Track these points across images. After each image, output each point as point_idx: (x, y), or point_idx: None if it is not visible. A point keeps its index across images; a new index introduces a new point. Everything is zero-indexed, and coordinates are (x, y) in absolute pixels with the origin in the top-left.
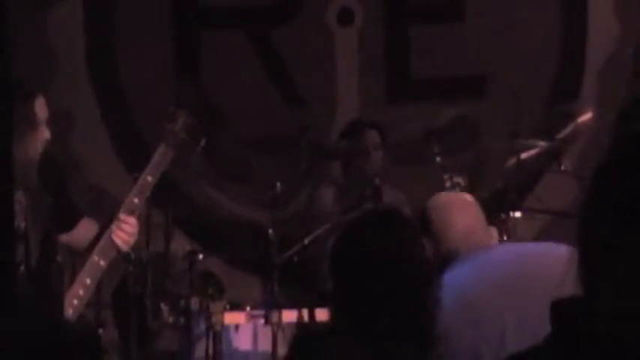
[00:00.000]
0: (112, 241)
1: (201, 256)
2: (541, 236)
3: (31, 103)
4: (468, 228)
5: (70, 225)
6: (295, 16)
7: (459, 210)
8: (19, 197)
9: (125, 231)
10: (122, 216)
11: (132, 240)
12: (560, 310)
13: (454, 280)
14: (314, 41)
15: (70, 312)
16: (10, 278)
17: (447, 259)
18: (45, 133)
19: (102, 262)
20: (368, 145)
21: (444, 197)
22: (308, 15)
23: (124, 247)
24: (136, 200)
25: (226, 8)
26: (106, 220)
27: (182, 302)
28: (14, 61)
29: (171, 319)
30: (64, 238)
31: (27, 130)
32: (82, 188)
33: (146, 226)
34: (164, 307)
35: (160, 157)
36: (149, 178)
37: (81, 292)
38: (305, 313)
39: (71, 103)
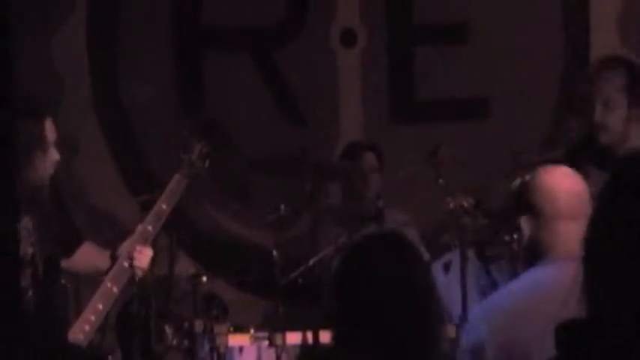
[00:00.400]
0: (124, 268)
1: (205, 279)
2: None
3: (41, 124)
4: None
5: (70, 249)
6: (298, 36)
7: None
8: (26, 223)
9: (139, 260)
10: (135, 244)
11: (145, 268)
12: (565, 332)
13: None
14: (317, 62)
15: (80, 337)
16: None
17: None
18: (54, 155)
19: (114, 289)
20: (365, 167)
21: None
22: (311, 36)
23: (138, 274)
24: (150, 228)
25: (229, 29)
26: (117, 246)
27: (186, 324)
28: (20, 83)
29: (175, 342)
30: (66, 263)
31: (37, 152)
32: (86, 212)
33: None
34: (168, 329)
35: (176, 186)
36: (164, 206)
37: (92, 317)
38: (309, 334)
39: (75, 125)
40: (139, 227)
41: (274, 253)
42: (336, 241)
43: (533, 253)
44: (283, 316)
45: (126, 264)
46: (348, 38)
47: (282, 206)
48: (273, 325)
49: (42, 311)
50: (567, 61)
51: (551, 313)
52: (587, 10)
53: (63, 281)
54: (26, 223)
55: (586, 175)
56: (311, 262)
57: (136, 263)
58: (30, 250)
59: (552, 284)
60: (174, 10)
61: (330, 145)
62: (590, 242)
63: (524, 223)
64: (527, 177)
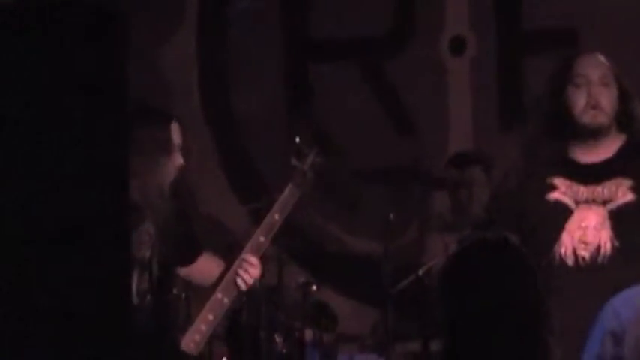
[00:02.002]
0: (235, 280)
1: (314, 287)
2: None
3: (167, 128)
4: None
5: (191, 258)
6: (407, 46)
7: None
8: (148, 227)
9: (248, 272)
10: (246, 256)
11: (252, 281)
12: None
13: None
14: (426, 70)
15: (192, 347)
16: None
17: None
18: (179, 159)
19: (225, 300)
20: (469, 181)
21: None
22: (420, 45)
23: (243, 287)
24: (262, 239)
25: (338, 40)
26: (231, 257)
27: (296, 333)
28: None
29: (284, 351)
30: (184, 271)
31: (161, 156)
32: (197, 220)
33: (260, 258)
34: (278, 338)
35: (289, 196)
36: (276, 217)
37: (203, 327)
38: (419, 344)
39: (185, 135)
40: (252, 238)
41: (383, 262)
42: (446, 250)
43: None
44: (393, 325)
45: (236, 275)
46: (458, 46)
47: (391, 215)
48: (382, 335)
49: (157, 317)
50: None
51: None
52: None
53: (175, 290)
54: (148, 227)
55: None
56: (420, 272)
57: (242, 274)
58: (148, 254)
59: None
60: (284, 21)
61: (439, 154)
62: None
63: None
64: None
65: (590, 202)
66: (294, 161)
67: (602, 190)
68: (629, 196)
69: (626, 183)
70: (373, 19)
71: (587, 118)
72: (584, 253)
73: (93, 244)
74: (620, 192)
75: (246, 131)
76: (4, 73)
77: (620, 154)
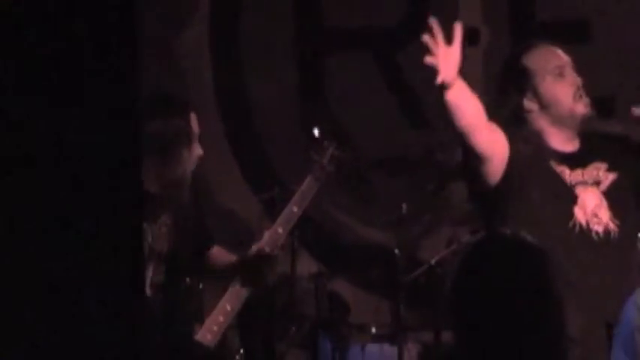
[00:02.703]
0: (254, 272)
1: (327, 278)
2: None
3: (186, 117)
4: None
5: (202, 250)
6: (420, 36)
7: None
8: (166, 219)
9: (271, 266)
10: (266, 248)
11: (273, 275)
12: None
13: None
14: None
15: (209, 338)
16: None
17: None
18: (198, 149)
19: (243, 291)
20: None
21: None
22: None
23: (265, 281)
24: (280, 230)
25: (351, 30)
26: (246, 249)
27: (308, 323)
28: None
29: (297, 340)
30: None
31: (182, 146)
32: (211, 210)
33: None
34: (291, 328)
35: (307, 189)
36: (295, 209)
37: (221, 318)
38: (431, 334)
39: (199, 124)
40: (270, 230)
41: (396, 252)
42: (458, 241)
43: None
44: (405, 315)
45: (256, 268)
46: (472, 37)
47: (405, 206)
48: (395, 325)
49: (170, 309)
50: None
51: None
52: None
53: (187, 280)
54: (165, 219)
55: None
56: (433, 262)
57: (266, 269)
58: (166, 247)
59: None
60: (297, 11)
61: (453, 145)
62: None
63: None
64: None
65: (584, 184)
66: (313, 154)
67: (589, 173)
68: (612, 176)
69: (603, 166)
70: (387, 8)
71: (581, 108)
72: (598, 227)
73: (106, 236)
74: (602, 174)
75: (259, 121)
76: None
77: (585, 141)
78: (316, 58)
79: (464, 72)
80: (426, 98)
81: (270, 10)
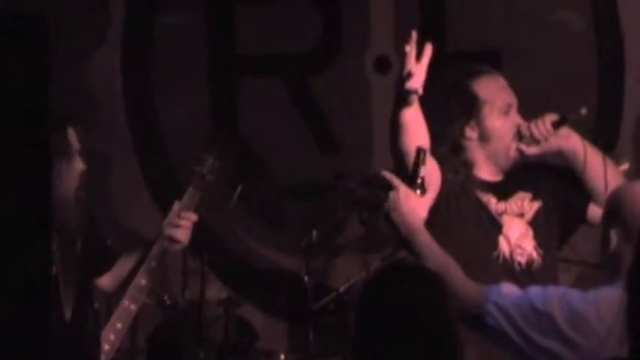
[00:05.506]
0: (142, 286)
1: (236, 303)
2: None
3: (63, 133)
4: None
5: (105, 268)
6: (332, 63)
7: None
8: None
9: (183, 226)
10: (181, 212)
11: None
12: None
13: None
14: (351, 89)
15: (102, 358)
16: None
17: None
18: (79, 164)
19: (132, 307)
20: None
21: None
22: (345, 62)
23: (184, 242)
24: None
25: (264, 56)
26: (135, 264)
27: (216, 348)
28: (55, 102)
29: None
30: (101, 282)
31: (61, 163)
32: (117, 230)
33: (182, 272)
34: (199, 352)
35: (188, 199)
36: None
37: (112, 337)
38: None
39: (109, 145)
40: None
41: (305, 279)
42: (367, 268)
43: (615, 268)
44: (313, 342)
45: (153, 264)
46: (383, 65)
47: (314, 232)
48: (302, 352)
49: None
50: (601, 88)
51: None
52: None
53: (96, 304)
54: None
55: None
56: (341, 289)
57: (177, 235)
58: (53, 270)
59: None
60: (209, 35)
61: (363, 172)
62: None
63: (613, 236)
64: (620, 189)
65: (509, 214)
66: (194, 165)
67: (514, 203)
68: (536, 205)
69: (528, 195)
70: (299, 35)
71: (515, 150)
72: (521, 258)
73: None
74: (527, 204)
75: (169, 143)
76: None
77: (509, 171)
78: (228, 81)
79: (375, 101)
80: (336, 125)
81: (183, 35)
